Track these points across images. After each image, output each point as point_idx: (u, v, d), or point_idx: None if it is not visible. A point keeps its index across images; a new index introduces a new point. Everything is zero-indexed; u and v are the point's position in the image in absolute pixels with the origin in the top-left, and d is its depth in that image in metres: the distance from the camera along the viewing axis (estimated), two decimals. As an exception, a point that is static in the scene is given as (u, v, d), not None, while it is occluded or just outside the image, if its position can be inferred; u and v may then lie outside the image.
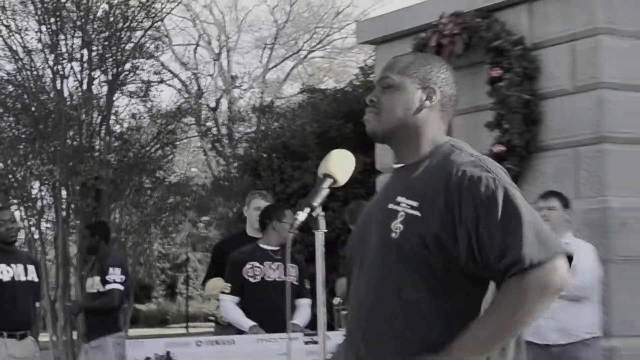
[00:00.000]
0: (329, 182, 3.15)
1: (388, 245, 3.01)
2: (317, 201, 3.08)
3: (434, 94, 3.15)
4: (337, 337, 7.09)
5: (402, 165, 3.22)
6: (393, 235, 2.98)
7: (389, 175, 3.30)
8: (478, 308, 3.07)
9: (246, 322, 7.75)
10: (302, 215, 3.05)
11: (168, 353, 7.07)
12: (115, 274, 9.20)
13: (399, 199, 3.03)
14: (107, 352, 7.77)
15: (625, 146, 10.31)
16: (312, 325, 7.79)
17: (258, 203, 8.73)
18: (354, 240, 3.32)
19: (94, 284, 9.13)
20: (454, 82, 3.27)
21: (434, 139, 3.17)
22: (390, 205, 3.05)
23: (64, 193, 18.48)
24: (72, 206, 18.38)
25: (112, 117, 19.69)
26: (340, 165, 3.20)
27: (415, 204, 2.98)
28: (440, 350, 2.93)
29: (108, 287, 9.06)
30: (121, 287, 9.43)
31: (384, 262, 3.04)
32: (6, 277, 8.51)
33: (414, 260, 2.97)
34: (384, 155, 12.50)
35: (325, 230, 3.15)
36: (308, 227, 3.19)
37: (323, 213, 3.13)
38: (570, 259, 2.92)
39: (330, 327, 9.04)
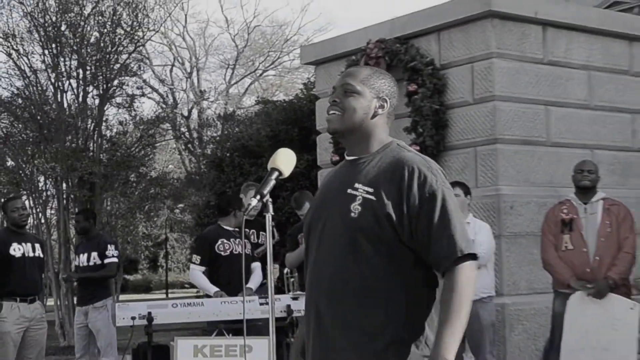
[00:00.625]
0: (275, 174, 3.26)
1: (348, 222, 3.07)
2: (266, 190, 3.19)
3: (385, 104, 3.27)
4: (286, 299, 7.41)
5: (355, 158, 3.25)
6: (352, 214, 3.05)
7: (337, 167, 3.45)
8: (434, 282, 3.16)
9: (212, 288, 7.79)
10: (254, 201, 3.17)
11: (149, 313, 7.13)
12: (112, 250, 9.33)
13: (357, 185, 3.09)
14: (108, 311, 7.97)
15: (513, 146, 10.50)
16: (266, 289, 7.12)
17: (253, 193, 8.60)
18: (313, 219, 3.32)
19: (90, 258, 9.15)
20: (397, 95, 3.39)
21: (382, 139, 3.26)
22: (349, 190, 3.10)
23: (64, 186, 18.51)
24: (71, 196, 18.36)
25: (103, 123, 19.85)
26: (284, 161, 3.31)
27: (370, 189, 3.05)
28: (390, 323, 3.05)
29: (107, 260, 9.17)
30: (117, 260, 9.59)
31: (344, 236, 3.09)
32: (18, 254, 8.49)
33: (370, 235, 3.04)
34: (323, 154, 12.51)
35: (273, 214, 3.26)
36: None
37: (271, 199, 3.22)
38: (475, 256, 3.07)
39: (281, 291, 9.46)
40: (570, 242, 7.49)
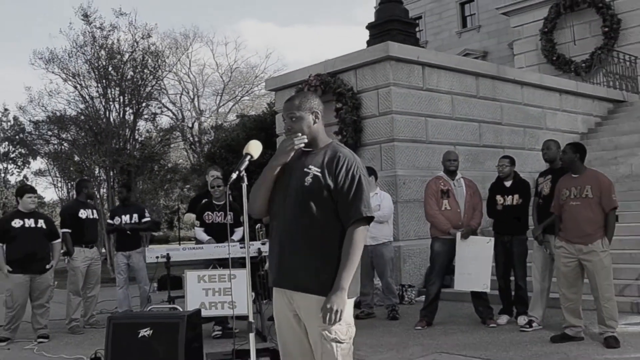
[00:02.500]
0: (248, 157, 3.20)
1: (303, 188, 3.04)
2: (242, 167, 3.12)
3: (318, 115, 3.21)
4: (257, 244, 7.23)
5: (309, 150, 3.18)
6: (306, 183, 3.04)
7: (296, 154, 3.22)
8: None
9: (205, 237, 7.68)
10: (234, 175, 3.10)
11: (168, 254, 7.07)
12: (147, 213, 9.23)
13: (310, 167, 3.07)
14: (143, 254, 7.75)
15: (404, 143, 10.49)
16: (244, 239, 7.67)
17: (212, 172, 8.44)
18: (279, 182, 3.20)
19: (132, 218, 8.87)
20: (322, 105, 3.28)
21: (324, 139, 3.23)
22: (305, 169, 3.07)
23: (111, 173, 18.51)
24: (116, 180, 18.33)
25: (136, 132, 19.85)
26: (254, 148, 3.25)
27: (318, 170, 3.05)
28: (330, 253, 3.00)
29: (145, 219, 9.03)
30: (151, 219, 9.41)
31: (300, 197, 3.04)
32: (83, 216, 8.43)
33: (314, 197, 3.02)
34: None
35: (247, 183, 3.16)
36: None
37: (245, 174, 3.13)
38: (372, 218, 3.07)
39: (254, 239, 9.22)
40: (448, 204, 7.44)
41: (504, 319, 7.42)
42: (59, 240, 8.18)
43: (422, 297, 8.31)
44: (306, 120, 3.17)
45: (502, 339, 6.48)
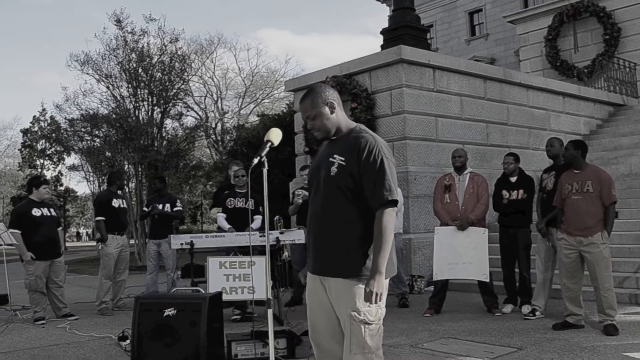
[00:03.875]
0: (269, 144, 3.13)
1: (329, 178, 2.95)
2: (264, 152, 3.06)
3: (333, 104, 3.04)
4: (275, 233, 7.10)
5: (334, 138, 3.06)
6: (332, 173, 2.94)
7: (324, 144, 3.17)
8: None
9: (227, 226, 7.63)
10: (255, 160, 3.05)
11: (192, 241, 7.03)
12: (179, 203, 9.22)
13: (335, 156, 2.96)
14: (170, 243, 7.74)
15: (416, 141, 10.46)
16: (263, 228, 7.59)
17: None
18: (312, 173, 3.14)
19: (165, 207, 8.87)
20: (336, 92, 3.14)
21: (347, 125, 3.08)
22: (330, 159, 2.96)
23: (139, 168, 18.53)
24: (144, 174, 18.39)
25: (163, 130, 19.90)
26: (274, 135, 3.18)
27: (342, 158, 2.93)
28: (359, 240, 2.91)
29: (177, 208, 9.00)
30: (182, 209, 9.43)
31: (327, 188, 2.96)
32: (116, 205, 8.48)
33: (342, 187, 2.92)
34: (298, 147, 12.48)
35: (267, 168, 3.09)
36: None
37: (266, 159, 3.07)
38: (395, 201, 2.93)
39: (272, 229, 9.22)
40: (448, 198, 7.39)
41: (508, 307, 7.36)
42: (61, 227, 8.35)
43: (431, 287, 8.26)
44: (324, 114, 3.02)
45: (507, 326, 6.42)
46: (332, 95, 3.09)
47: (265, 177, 3.11)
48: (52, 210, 8.08)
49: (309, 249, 3.13)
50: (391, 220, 2.88)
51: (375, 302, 2.84)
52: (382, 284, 2.84)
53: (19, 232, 7.69)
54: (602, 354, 5.09)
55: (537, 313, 6.82)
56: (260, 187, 3.16)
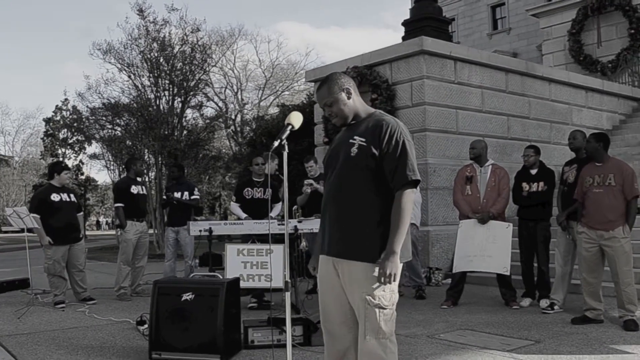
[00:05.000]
0: (289, 127, 3.11)
1: (349, 159, 2.94)
2: (284, 135, 3.04)
3: (350, 90, 3.05)
4: (294, 222, 7.14)
5: (353, 123, 3.07)
6: (352, 154, 2.92)
7: (343, 130, 3.16)
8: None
9: (242, 214, 7.57)
10: (276, 143, 3.03)
11: (210, 228, 7.04)
12: (197, 191, 9.18)
13: (355, 137, 2.95)
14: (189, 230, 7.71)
15: (435, 133, 10.39)
16: (282, 218, 7.36)
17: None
18: (329, 159, 3.12)
19: (183, 195, 8.83)
20: (351, 78, 3.16)
21: (365, 109, 3.10)
22: (350, 140, 2.95)
23: (159, 157, 18.64)
24: (164, 162, 18.48)
25: (183, 119, 19.96)
26: (295, 118, 3.15)
27: (363, 139, 2.92)
28: (377, 223, 2.89)
29: (194, 197, 8.96)
30: (199, 197, 9.40)
31: (347, 169, 2.95)
32: (135, 191, 8.49)
33: (363, 167, 2.91)
34: (318, 138, 12.45)
35: (288, 151, 3.07)
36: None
37: (286, 142, 3.05)
38: (418, 181, 2.94)
39: (290, 218, 9.20)
40: (470, 190, 7.34)
41: (526, 301, 7.30)
42: (82, 212, 8.36)
43: (449, 280, 8.22)
44: (340, 100, 3.04)
45: (525, 320, 6.38)
46: (348, 82, 3.10)
47: (285, 160, 3.09)
48: (72, 195, 8.13)
49: (321, 231, 3.10)
50: (410, 202, 2.88)
51: (389, 283, 2.83)
52: (396, 265, 2.82)
53: (39, 216, 7.75)
54: (621, 349, 5.03)
55: (556, 307, 6.76)
56: (278, 176, 3.15)
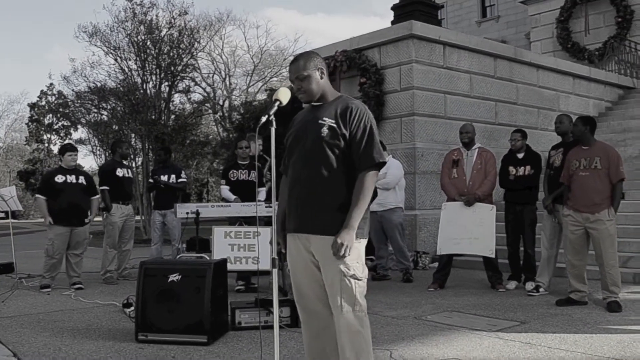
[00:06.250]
0: (277, 102, 3.08)
1: (319, 139, 2.99)
2: (271, 112, 3.00)
3: (323, 70, 3.14)
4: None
5: (319, 104, 3.13)
6: (323, 134, 2.98)
7: (306, 109, 3.23)
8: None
9: (232, 196, 7.54)
10: (263, 119, 3.01)
11: (197, 210, 7.03)
12: (184, 174, 9.16)
13: (324, 118, 3.02)
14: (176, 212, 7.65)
15: (424, 118, 10.39)
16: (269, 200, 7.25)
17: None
18: (294, 139, 3.16)
19: (170, 178, 8.81)
20: (324, 61, 3.22)
21: (332, 92, 3.17)
22: (320, 121, 3.01)
23: (146, 143, 18.55)
24: (150, 147, 18.39)
25: (170, 104, 19.83)
26: (283, 94, 3.12)
27: (333, 120, 3.00)
28: (347, 197, 2.96)
29: (181, 179, 8.92)
30: (187, 180, 9.39)
31: (318, 148, 3.00)
32: (120, 174, 8.43)
33: (332, 146, 2.98)
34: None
35: (275, 127, 2.99)
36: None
37: (274, 119, 2.98)
38: (384, 163, 3.04)
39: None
40: (456, 173, 7.38)
41: (512, 284, 7.36)
42: (98, 196, 8.20)
43: (436, 264, 8.26)
44: (314, 78, 3.10)
45: (510, 302, 6.43)
46: (322, 62, 3.18)
47: (274, 137, 3.05)
48: (80, 177, 7.96)
49: (289, 211, 3.12)
50: (372, 182, 2.99)
51: (344, 255, 2.90)
52: (352, 238, 2.91)
53: (44, 198, 7.71)
54: (604, 329, 5.09)
55: (541, 290, 6.82)
56: (263, 157, 3.13)
